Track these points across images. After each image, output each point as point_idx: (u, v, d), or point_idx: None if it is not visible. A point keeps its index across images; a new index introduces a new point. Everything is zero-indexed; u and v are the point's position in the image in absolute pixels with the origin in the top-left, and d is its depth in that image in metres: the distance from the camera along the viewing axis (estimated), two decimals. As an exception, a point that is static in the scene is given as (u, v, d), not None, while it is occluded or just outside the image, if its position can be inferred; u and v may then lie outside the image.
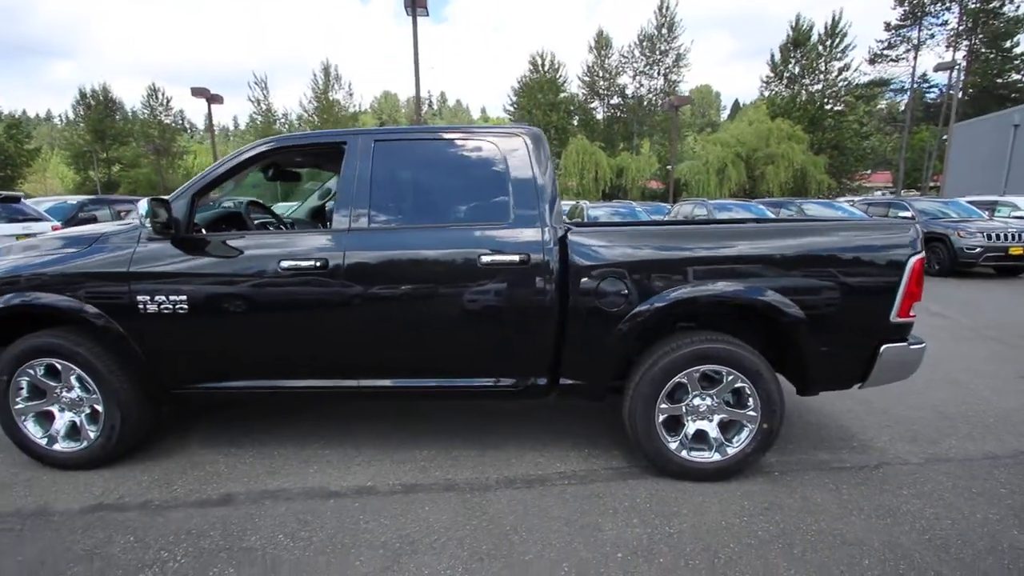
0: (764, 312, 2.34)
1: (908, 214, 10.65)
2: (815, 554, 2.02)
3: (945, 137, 27.92)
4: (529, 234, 2.40)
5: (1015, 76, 33.74)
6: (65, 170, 46.49)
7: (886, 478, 2.59)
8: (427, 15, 12.84)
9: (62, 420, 2.64)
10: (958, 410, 3.43)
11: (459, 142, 2.55)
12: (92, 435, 2.60)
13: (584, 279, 2.36)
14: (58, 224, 6.74)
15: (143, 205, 2.28)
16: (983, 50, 33.76)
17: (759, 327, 2.65)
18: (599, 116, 42.79)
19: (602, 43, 41.65)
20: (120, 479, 2.57)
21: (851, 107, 36.15)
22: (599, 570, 1.93)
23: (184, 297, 2.41)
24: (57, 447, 2.62)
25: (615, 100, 42.69)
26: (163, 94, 44.40)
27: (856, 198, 19.97)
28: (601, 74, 42.12)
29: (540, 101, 40.55)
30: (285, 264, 2.40)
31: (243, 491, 2.46)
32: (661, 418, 2.47)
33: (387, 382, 2.56)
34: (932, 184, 35.31)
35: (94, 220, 8.82)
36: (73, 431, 2.65)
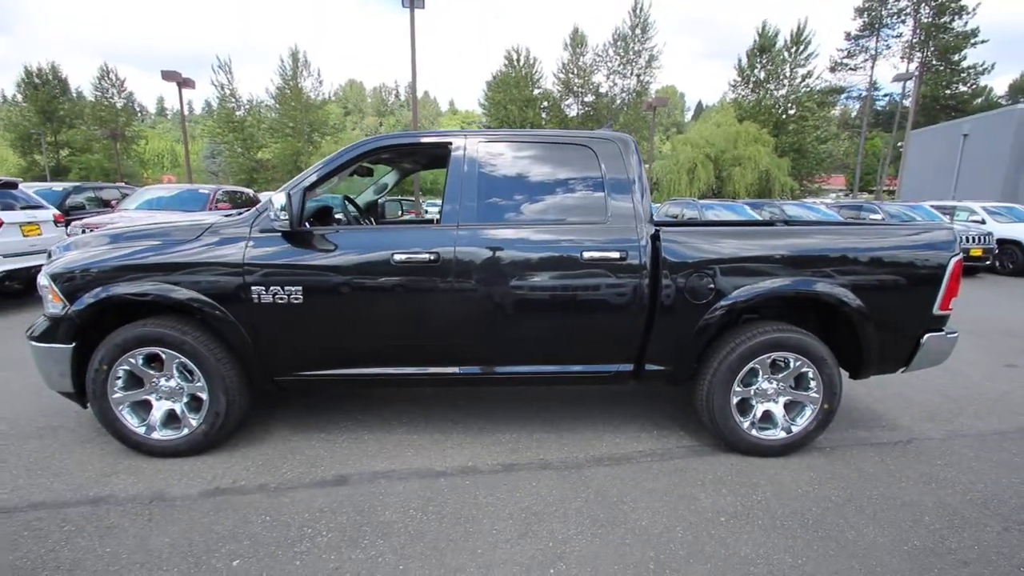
0: (834, 305, 2.64)
1: (879, 216, 11.46)
2: (884, 513, 2.34)
3: (900, 144, 29.77)
4: (625, 232, 2.62)
5: (961, 88, 36.31)
6: (8, 153, 43.34)
7: (919, 452, 2.96)
8: (423, 7, 12.74)
9: (159, 409, 2.68)
10: (960, 393, 3.87)
11: (559, 145, 2.74)
12: (194, 422, 2.66)
13: (674, 274, 2.60)
14: (59, 212, 6.45)
15: (280, 199, 2.37)
16: (934, 62, 36.12)
17: (814, 318, 2.96)
18: (572, 114, 43.20)
19: (577, 41, 42.02)
20: (225, 465, 2.65)
21: (811, 112, 37.88)
22: (709, 532, 2.18)
23: (299, 287, 2.51)
24: (156, 435, 2.67)
25: (589, 98, 43.20)
26: (115, 75, 42.06)
27: (827, 200, 21.08)
28: (576, 72, 42.51)
29: (515, 96, 40.62)
30: (399, 257, 2.53)
31: (354, 472, 2.59)
32: (735, 400, 2.75)
33: (486, 369, 2.73)
34: (885, 188, 37.58)
35: (83, 208, 8.45)
36: (171, 419, 2.70)
